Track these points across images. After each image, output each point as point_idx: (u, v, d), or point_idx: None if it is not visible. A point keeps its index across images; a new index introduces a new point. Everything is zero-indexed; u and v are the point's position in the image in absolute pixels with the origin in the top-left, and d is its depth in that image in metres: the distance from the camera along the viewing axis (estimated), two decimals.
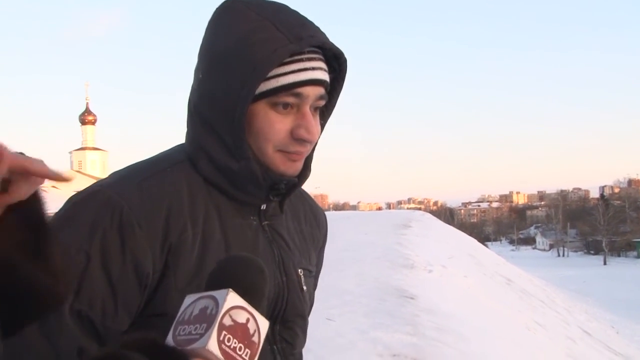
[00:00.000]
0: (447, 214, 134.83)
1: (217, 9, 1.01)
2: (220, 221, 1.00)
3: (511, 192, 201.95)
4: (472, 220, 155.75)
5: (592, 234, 79.43)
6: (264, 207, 1.06)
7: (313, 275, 1.19)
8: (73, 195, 0.96)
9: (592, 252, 79.61)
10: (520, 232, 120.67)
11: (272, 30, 0.94)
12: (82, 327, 0.86)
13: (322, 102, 1.00)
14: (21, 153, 0.58)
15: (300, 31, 0.95)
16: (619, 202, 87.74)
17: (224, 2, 1.01)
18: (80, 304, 0.86)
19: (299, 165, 1.03)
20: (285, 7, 0.99)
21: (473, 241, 30.82)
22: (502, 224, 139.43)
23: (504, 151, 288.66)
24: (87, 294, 0.87)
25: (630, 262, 64.25)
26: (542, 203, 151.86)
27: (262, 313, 0.65)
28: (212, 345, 0.59)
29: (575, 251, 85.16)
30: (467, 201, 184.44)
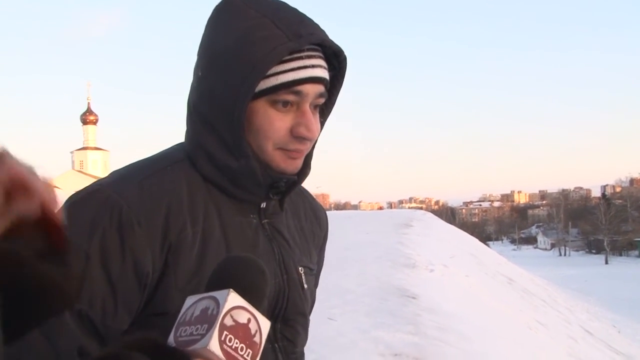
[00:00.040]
0: (448, 214, 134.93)
1: (216, 6, 1.01)
2: (220, 219, 1.00)
3: (513, 192, 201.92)
4: (473, 220, 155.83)
5: (594, 233, 79.46)
6: (263, 205, 1.06)
7: (314, 273, 1.19)
8: (72, 195, 0.96)
9: (593, 251, 79.63)
10: (522, 231, 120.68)
11: (271, 28, 0.93)
12: (82, 327, 0.86)
13: (322, 100, 1.00)
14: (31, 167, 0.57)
15: (300, 29, 0.94)
16: (620, 201, 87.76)
17: None
18: (80, 303, 0.85)
19: (299, 163, 1.02)
20: (284, 5, 0.99)
21: (474, 241, 30.85)
22: (503, 224, 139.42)
23: (505, 151, 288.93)
24: (87, 293, 0.86)
25: (632, 262, 64.27)
26: (544, 202, 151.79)
27: (263, 313, 0.64)
28: (214, 346, 0.59)
29: (577, 250, 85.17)
30: (468, 200, 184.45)
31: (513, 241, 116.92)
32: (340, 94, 1.06)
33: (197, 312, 0.63)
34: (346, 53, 1.01)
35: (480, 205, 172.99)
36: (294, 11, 0.98)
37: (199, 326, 0.61)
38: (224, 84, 0.95)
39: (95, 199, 0.92)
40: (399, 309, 6.18)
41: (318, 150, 1.09)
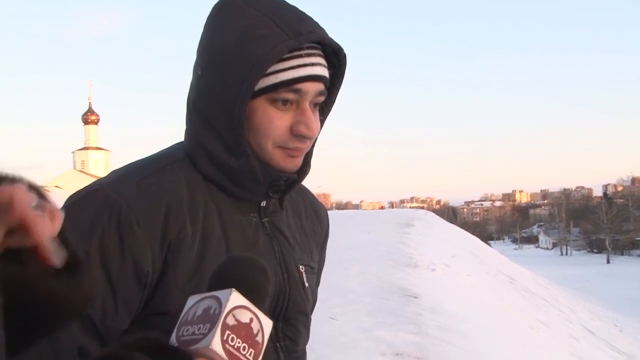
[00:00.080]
0: (450, 213, 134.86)
1: (215, 4, 1.01)
2: (220, 218, 1.00)
3: (514, 191, 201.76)
4: (475, 219, 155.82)
5: (596, 233, 79.50)
6: (263, 203, 1.06)
7: (315, 272, 1.18)
8: (72, 194, 0.96)
9: (595, 250, 79.66)
10: (523, 230, 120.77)
11: (271, 26, 0.93)
12: (82, 326, 0.85)
13: (322, 98, 1.00)
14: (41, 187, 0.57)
15: (299, 27, 0.94)
16: (622, 200, 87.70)
17: None
18: None
19: (299, 161, 1.02)
20: (284, 3, 0.99)
21: (476, 240, 30.84)
22: (505, 223, 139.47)
23: (506, 150, 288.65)
24: None
25: (634, 261, 64.29)
26: (545, 202, 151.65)
27: (265, 313, 0.64)
28: (216, 345, 0.59)
29: (579, 250, 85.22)
30: (470, 200, 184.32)
31: (514, 240, 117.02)
32: (340, 93, 1.06)
33: (199, 312, 0.62)
34: (346, 52, 1.01)
35: (482, 204, 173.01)
36: (294, 9, 0.98)
37: (201, 325, 0.61)
38: (224, 83, 0.95)
39: (95, 198, 0.92)
40: (400, 308, 6.19)
41: (319, 150, 1.09)
